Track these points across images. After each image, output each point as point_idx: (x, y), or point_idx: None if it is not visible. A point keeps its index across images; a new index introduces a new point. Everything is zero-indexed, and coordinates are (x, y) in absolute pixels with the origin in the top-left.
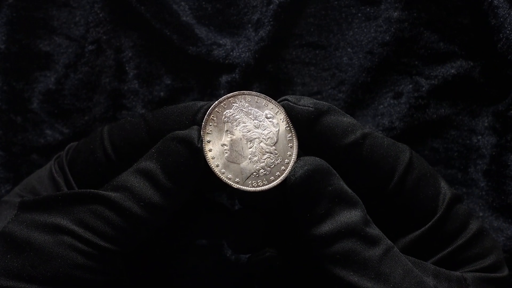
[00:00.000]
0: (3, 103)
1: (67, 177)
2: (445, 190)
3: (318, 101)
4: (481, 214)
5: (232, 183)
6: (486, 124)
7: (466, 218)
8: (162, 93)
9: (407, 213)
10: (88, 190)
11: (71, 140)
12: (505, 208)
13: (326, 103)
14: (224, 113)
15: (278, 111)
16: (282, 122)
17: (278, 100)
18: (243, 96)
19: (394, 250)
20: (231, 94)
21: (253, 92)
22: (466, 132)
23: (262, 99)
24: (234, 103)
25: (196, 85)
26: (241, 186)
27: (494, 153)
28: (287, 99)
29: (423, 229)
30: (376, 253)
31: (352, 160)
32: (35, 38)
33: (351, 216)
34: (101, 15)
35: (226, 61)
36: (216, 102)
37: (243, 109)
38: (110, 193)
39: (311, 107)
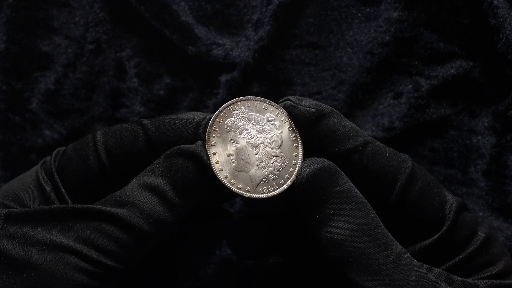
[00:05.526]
0: (1, 103)
1: (56, 186)
2: (451, 199)
3: (320, 103)
4: (481, 214)
5: (243, 192)
6: (486, 124)
7: (474, 225)
8: (161, 92)
9: (413, 223)
10: (89, 206)
11: (69, 140)
12: (505, 208)
13: (329, 106)
14: (225, 122)
15: (279, 113)
16: (284, 123)
17: (280, 100)
18: (242, 102)
19: (406, 255)
20: (230, 102)
21: (252, 97)
22: (466, 132)
23: (262, 103)
24: (234, 110)
25: (195, 84)
26: (253, 194)
27: (494, 153)
28: (289, 99)
29: (432, 239)
30: (390, 258)
31: (352, 167)
32: (35, 38)
33: (362, 216)
34: (100, 14)
35: (226, 61)
36: (216, 112)
37: (244, 116)
38: (115, 209)
39: (313, 108)
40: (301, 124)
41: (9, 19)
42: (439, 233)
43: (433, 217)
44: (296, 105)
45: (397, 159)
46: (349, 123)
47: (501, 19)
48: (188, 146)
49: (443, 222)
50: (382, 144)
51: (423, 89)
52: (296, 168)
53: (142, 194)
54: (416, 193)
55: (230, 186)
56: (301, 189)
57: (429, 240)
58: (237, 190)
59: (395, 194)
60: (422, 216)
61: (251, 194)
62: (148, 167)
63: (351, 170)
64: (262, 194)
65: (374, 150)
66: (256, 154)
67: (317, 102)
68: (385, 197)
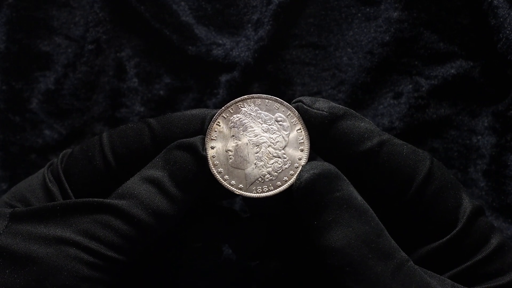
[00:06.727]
0: (1, 103)
1: (63, 187)
2: (466, 202)
3: (334, 104)
4: None
5: (234, 189)
6: (486, 124)
7: (487, 232)
8: (161, 92)
9: (425, 224)
10: (90, 199)
11: (69, 140)
12: (505, 208)
13: (343, 107)
14: (231, 118)
15: (290, 114)
16: (294, 125)
17: (293, 101)
18: (252, 100)
19: (408, 264)
20: (239, 98)
21: (264, 95)
22: (466, 132)
23: (273, 102)
24: (242, 107)
25: (195, 84)
26: (244, 192)
27: (494, 153)
28: (301, 101)
29: (441, 241)
30: (389, 268)
31: (368, 168)
32: (35, 38)
33: (361, 225)
34: (100, 14)
35: (226, 61)
36: (224, 107)
37: (252, 113)
38: (115, 201)
39: (326, 112)
40: (313, 127)
41: (9, 19)
42: (448, 236)
43: (446, 220)
44: (308, 108)
45: (414, 157)
46: (363, 123)
47: (501, 19)
48: (187, 139)
49: (455, 226)
50: (400, 141)
51: (423, 89)
52: (297, 172)
53: (142, 186)
54: (432, 193)
55: (223, 181)
56: (299, 194)
57: (437, 243)
58: (229, 186)
59: (410, 194)
60: (436, 218)
61: (242, 192)
62: (149, 163)
63: (367, 171)
64: (254, 193)
65: (391, 149)
66: (256, 153)
67: (331, 104)
68: (401, 196)
